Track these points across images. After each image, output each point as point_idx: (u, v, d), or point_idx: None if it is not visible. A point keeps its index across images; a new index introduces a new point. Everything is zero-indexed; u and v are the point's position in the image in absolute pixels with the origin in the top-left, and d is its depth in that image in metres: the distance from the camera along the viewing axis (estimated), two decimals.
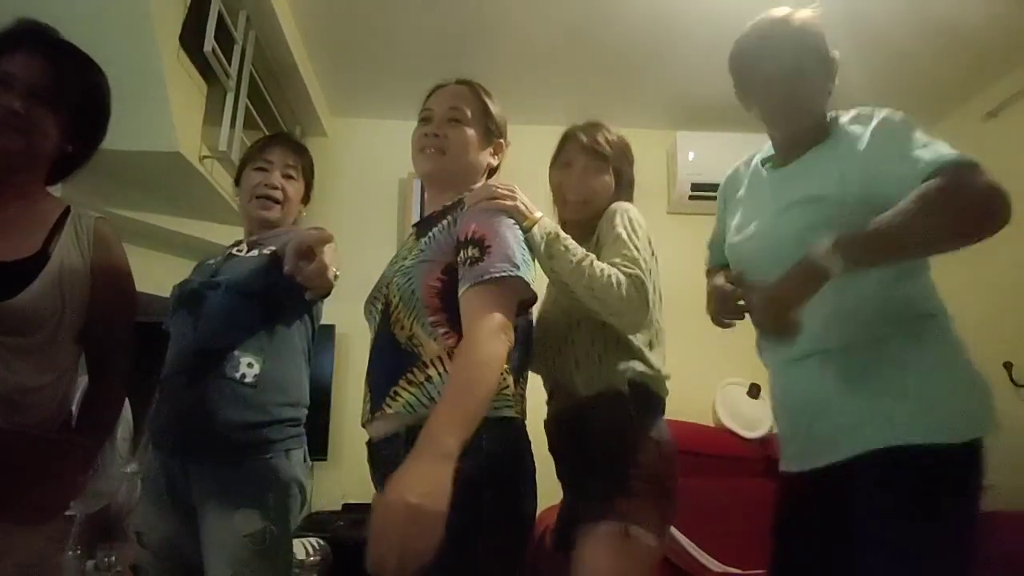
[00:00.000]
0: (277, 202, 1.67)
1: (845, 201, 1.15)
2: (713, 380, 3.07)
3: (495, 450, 1.04)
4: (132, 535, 1.51)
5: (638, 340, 1.39)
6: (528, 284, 1.12)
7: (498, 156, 1.39)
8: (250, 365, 1.45)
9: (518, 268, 1.09)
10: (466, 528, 0.95)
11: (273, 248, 1.55)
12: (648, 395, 1.39)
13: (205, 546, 1.39)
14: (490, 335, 1.02)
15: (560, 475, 1.43)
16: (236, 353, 1.46)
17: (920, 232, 1.02)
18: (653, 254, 1.38)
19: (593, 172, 1.51)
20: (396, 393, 1.12)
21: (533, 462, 1.18)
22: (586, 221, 1.49)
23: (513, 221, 1.18)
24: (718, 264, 1.50)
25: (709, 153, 3.22)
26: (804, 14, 1.28)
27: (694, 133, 3.17)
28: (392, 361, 1.15)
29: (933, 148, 1.09)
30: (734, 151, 3.27)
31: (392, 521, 0.83)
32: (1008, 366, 2.71)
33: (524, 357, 1.23)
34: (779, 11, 1.29)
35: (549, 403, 1.50)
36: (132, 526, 1.53)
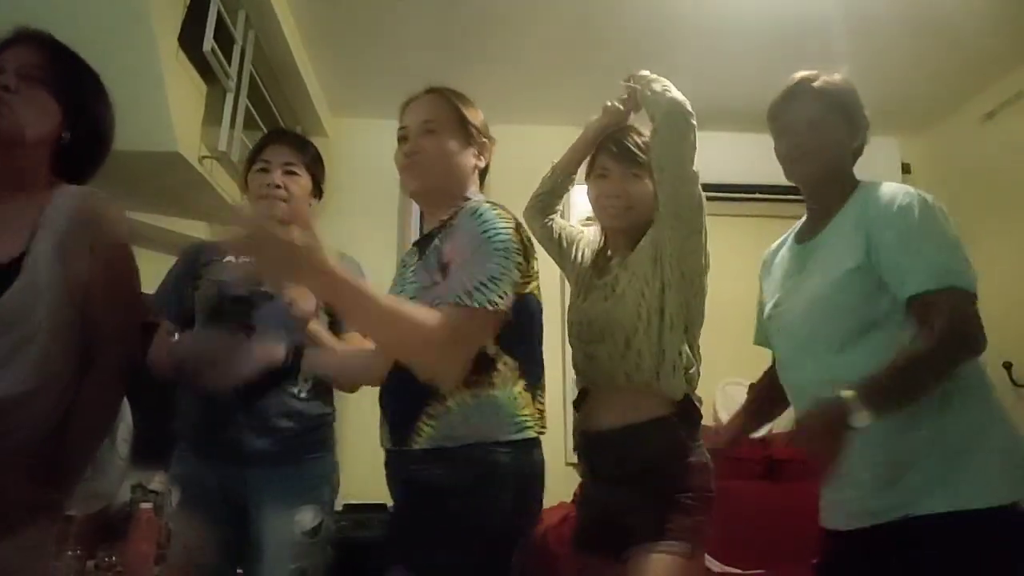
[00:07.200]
0: (282, 200, 1.67)
1: (863, 272, 1.20)
2: (713, 380, 3.06)
3: (511, 472, 1.10)
4: (177, 540, 1.54)
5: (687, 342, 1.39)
6: (475, 314, 1.08)
7: (484, 157, 1.36)
8: (306, 380, 1.58)
9: (470, 296, 1.08)
10: (469, 532, 1.07)
11: None
12: (695, 409, 1.39)
13: (265, 543, 1.49)
14: (427, 328, 1.05)
15: (596, 484, 1.43)
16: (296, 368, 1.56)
17: (928, 384, 1.14)
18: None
19: (631, 179, 1.44)
20: (419, 429, 1.14)
21: (544, 478, 1.20)
22: (633, 228, 1.45)
23: (490, 238, 1.13)
24: (758, 341, 1.51)
25: (708, 153, 3.17)
26: (835, 76, 1.34)
27: None
28: (411, 393, 1.15)
29: (937, 257, 1.16)
30: (733, 151, 3.29)
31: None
32: (1008, 366, 2.71)
33: (539, 370, 1.23)
34: (810, 72, 1.35)
35: (580, 408, 1.46)
36: (176, 532, 1.54)
